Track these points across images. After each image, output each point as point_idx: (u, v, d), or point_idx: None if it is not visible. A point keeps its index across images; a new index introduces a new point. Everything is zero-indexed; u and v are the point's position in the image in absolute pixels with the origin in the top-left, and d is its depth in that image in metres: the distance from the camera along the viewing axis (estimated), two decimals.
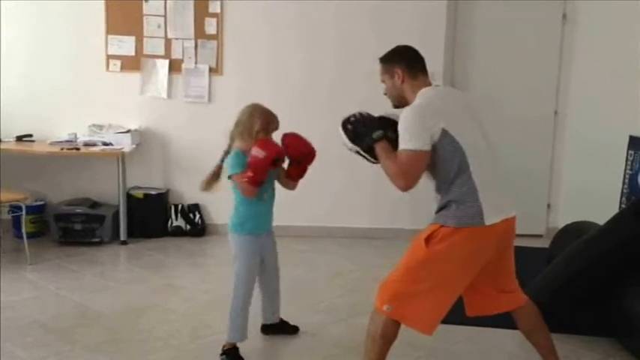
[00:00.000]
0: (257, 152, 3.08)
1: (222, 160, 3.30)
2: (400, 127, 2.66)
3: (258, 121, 3.20)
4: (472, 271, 2.72)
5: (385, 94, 2.93)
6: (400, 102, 2.85)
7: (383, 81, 2.91)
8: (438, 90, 2.87)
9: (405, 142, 2.62)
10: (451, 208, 2.64)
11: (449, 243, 2.63)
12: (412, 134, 2.60)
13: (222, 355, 3.28)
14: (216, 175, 3.32)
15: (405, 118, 2.66)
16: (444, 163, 2.65)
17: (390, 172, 2.69)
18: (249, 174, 3.10)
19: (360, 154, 2.89)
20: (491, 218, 2.63)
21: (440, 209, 2.70)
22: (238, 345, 3.30)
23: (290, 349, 3.56)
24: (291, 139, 3.28)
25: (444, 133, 2.61)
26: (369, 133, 2.81)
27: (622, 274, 3.49)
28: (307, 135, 3.37)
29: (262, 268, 3.41)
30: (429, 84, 2.84)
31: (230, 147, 3.29)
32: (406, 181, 2.63)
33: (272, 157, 3.09)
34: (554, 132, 5.74)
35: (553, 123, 5.73)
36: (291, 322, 3.66)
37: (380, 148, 2.77)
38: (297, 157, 3.29)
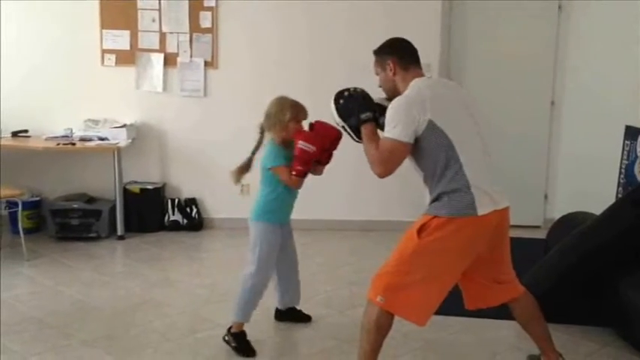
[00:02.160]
0: (306, 146, 3.12)
1: (254, 153, 3.33)
2: (387, 115, 2.68)
3: (288, 112, 3.24)
4: (465, 262, 2.72)
5: (380, 86, 2.95)
6: (394, 94, 2.85)
7: (377, 73, 2.94)
8: (429, 81, 2.86)
9: (389, 131, 2.66)
10: (443, 200, 2.65)
11: (441, 234, 2.62)
12: (397, 124, 2.63)
13: (227, 335, 3.30)
14: (246, 167, 3.34)
15: (392, 106, 2.68)
16: (430, 156, 2.66)
17: (370, 157, 2.75)
18: (299, 167, 3.14)
19: (346, 131, 2.94)
20: (483, 209, 2.62)
21: (432, 202, 2.70)
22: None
23: (288, 341, 3.57)
24: (320, 126, 3.25)
25: (431, 125, 2.61)
26: (358, 112, 2.85)
27: (618, 263, 3.49)
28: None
29: (282, 256, 3.45)
30: (421, 75, 2.85)
31: (261, 139, 3.32)
32: (383, 168, 2.68)
33: (320, 151, 3.14)
34: (551, 123, 5.74)
35: (550, 114, 5.73)
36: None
37: (365, 131, 2.82)
38: (328, 144, 3.27)
